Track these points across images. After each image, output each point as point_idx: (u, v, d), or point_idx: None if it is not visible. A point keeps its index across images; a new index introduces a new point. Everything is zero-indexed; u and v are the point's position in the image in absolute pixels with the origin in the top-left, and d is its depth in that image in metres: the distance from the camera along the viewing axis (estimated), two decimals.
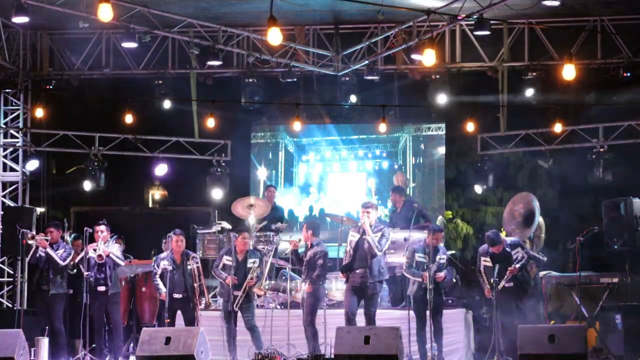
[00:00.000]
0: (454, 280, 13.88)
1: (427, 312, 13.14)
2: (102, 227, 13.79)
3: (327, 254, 13.64)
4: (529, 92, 16.04)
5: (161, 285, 13.57)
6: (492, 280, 13.15)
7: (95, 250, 13.64)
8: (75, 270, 14.41)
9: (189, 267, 13.68)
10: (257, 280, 13.55)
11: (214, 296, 14.93)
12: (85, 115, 17.86)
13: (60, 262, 13.86)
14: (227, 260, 13.58)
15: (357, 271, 13.20)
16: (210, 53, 16.12)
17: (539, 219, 14.87)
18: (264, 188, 16.86)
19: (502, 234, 14.25)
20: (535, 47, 16.15)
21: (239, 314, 13.47)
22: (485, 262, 13.43)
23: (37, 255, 13.90)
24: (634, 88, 15.61)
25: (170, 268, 13.58)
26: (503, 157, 17.70)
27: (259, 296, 14.19)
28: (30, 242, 13.95)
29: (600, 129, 16.26)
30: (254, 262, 13.51)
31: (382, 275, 13.35)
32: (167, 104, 16.92)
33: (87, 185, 17.24)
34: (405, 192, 16.57)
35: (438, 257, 13.35)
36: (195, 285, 13.66)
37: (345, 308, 13.28)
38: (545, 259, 14.23)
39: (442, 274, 13.19)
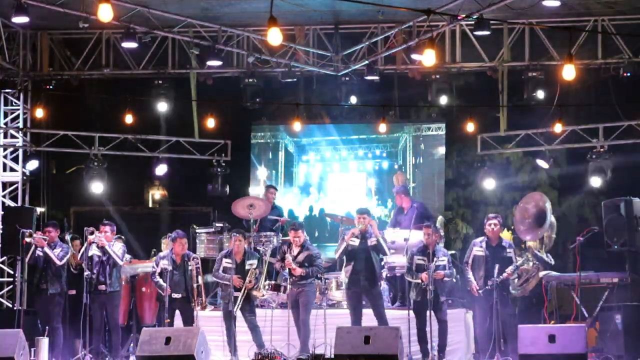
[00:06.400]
0: (454, 280, 13.87)
1: (428, 313, 13.14)
2: (107, 228, 13.86)
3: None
4: (529, 92, 16.04)
5: (162, 282, 13.59)
6: (492, 280, 13.17)
7: (97, 245, 13.67)
8: (77, 271, 14.41)
9: (189, 267, 13.70)
10: (256, 282, 13.54)
11: (215, 296, 14.94)
12: (85, 115, 17.88)
13: (57, 261, 13.89)
14: (226, 262, 13.58)
15: (361, 275, 13.34)
16: (210, 53, 16.13)
17: (552, 219, 14.86)
18: (265, 188, 16.82)
19: (508, 234, 14.27)
20: (535, 47, 16.15)
21: (240, 314, 13.46)
22: (478, 251, 13.45)
23: (36, 255, 13.93)
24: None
25: (169, 268, 13.60)
26: (503, 157, 17.69)
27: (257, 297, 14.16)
28: (28, 239, 13.96)
29: (600, 129, 16.26)
30: (251, 264, 13.51)
31: (381, 276, 13.77)
32: (166, 104, 16.93)
33: (87, 185, 17.24)
34: (409, 192, 16.62)
35: (437, 258, 13.35)
36: (195, 285, 13.69)
37: (352, 316, 13.44)
38: (553, 262, 14.21)
39: (441, 272, 13.19)
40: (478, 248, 13.53)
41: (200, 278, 13.76)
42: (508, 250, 13.46)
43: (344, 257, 13.60)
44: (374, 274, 13.41)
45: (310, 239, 14.15)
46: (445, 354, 13.40)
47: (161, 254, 13.99)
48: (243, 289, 13.35)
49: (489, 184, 16.89)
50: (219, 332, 13.81)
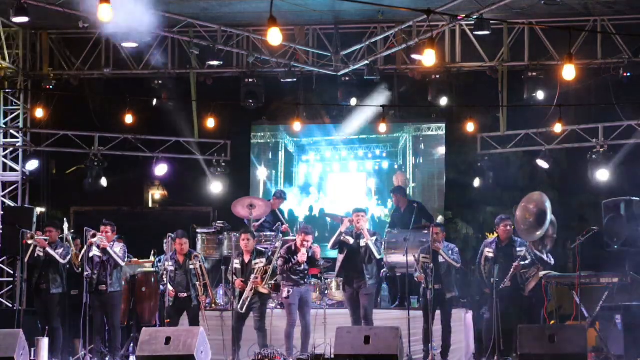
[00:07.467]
0: (457, 265, 13.81)
1: (431, 312, 13.15)
2: (108, 228, 13.85)
3: None
4: (529, 92, 16.04)
5: (168, 285, 13.63)
6: (492, 280, 13.17)
7: (98, 246, 13.66)
8: (80, 269, 14.41)
9: (191, 266, 13.72)
10: (264, 280, 13.48)
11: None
12: (85, 115, 17.86)
13: (61, 260, 13.92)
14: (237, 264, 13.60)
15: (355, 274, 13.39)
16: (210, 53, 16.13)
17: (552, 218, 14.85)
18: (274, 194, 16.71)
19: None
20: (535, 47, 16.15)
21: (251, 314, 13.48)
22: (488, 253, 13.46)
23: (35, 255, 13.93)
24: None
25: (172, 268, 13.63)
26: (503, 157, 17.69)
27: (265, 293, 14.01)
28: (29, 241, 13.96)
29: (600, 129, 16.26)
30: (257, 263, 13.49)
31: (377, 277, 13.77)
32: (166, 104, 16.92)
33: (87, 185, 17.23)
34: (406, 192, 16.62)
35: (443, 254, 13.37)
36: (199, 284, 13.70)
37: (351, 316, 13.55)
38: (553, 262, 14.20)
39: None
40: (488, 249, 13.53)
41: (205, 276, 13.80)
42: (518, 248, 13.45)
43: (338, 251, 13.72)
44: (365, 275, 13.41)
45: None
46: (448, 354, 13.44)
47: (164, 256, 14.00)
48: (250, 287, 13.34)
49: (485, 182, 16.94)
50: (219, 332, 13.82)
